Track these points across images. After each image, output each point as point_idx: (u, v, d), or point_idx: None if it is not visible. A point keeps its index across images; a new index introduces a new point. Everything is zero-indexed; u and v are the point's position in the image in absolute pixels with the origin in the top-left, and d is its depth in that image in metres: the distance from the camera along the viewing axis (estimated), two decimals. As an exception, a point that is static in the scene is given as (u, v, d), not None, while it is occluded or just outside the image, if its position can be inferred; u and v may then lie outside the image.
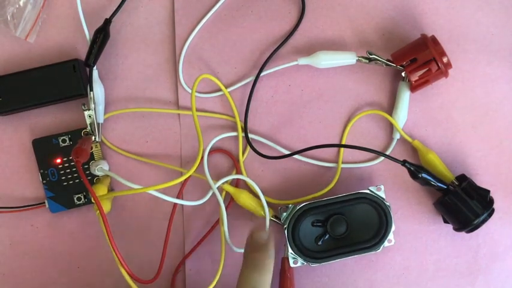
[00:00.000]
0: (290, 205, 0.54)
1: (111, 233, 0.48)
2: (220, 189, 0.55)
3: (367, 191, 0.54)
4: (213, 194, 0.55)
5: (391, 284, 0.57)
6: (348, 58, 0.56)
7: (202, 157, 0.55)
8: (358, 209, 0.54)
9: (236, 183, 0.58)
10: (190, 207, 0.58)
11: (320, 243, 0.54)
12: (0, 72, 0.57)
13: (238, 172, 0.57)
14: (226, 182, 0.56)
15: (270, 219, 0.54)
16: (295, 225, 0.54)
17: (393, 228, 0.54)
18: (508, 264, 0.57)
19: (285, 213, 0.54)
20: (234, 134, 0.58)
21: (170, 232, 0.56)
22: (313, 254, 0.54)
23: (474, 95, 0.57)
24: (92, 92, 0.56)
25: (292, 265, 0.54)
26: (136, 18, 0.59)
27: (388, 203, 0.54)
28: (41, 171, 0.57)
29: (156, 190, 0.51)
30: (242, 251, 0.54)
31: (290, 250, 0.54)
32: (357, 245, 0.54)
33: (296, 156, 0.57)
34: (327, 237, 0.54)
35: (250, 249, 0.50)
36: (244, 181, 0.58)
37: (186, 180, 0.57)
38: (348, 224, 0.54)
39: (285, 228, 0.54)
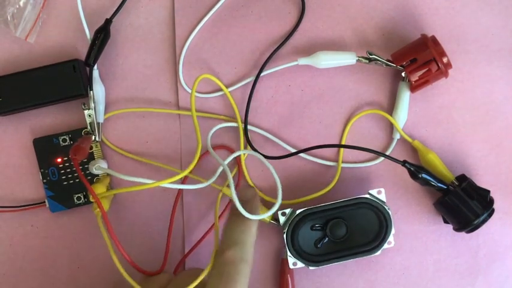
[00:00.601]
0: (289, 210, 0.54)
1: (111, 227, 0.48)
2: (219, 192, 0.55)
3: (367, 196, 0.54)
4: (213, 194, 0.55)
5: (391, 285, 0.57)
6: (348, 58, 0.56)
7: (201, 155, 0.54)
8: (357, 213, 0.54)
9: (236, 186, 0.58)
10: (190, 207, 0.58)
11: (319, 246, 0.54)
12: (0, 73, 0.57)
13: (240, 170, 0.57)
14: (225, 179, 0.55)
15: (270, 222, 0.54)
16: (294, 230, 0.54)
17: (393, 231, 0.54)
18: (508, 264, 0.57)
19: (283, 218, 0.54)
20: (234, 124, 0.58)
21: (172, 232, 0.56)
22: (313, 258, 0.54)
23: (474, 95, 0.57)
24: (92, 92, 0.56)
25: (291, 267, 0.54)
26: (136, 18, 0.59)
27: (388, 207, 0.54)
28: (42, 170, 0.57)
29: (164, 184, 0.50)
30: None
31: (289, 253, 0.54)
32: (357, 248, 0.54)
33: (296, 155, 0.57)
34: (326, 240, 0.54)
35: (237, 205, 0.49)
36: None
37: (185, 179, 0.57)
38: (347, 227, 0.54)
39: (284, 232, 0.54)
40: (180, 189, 0.58)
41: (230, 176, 0.49)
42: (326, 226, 0.54)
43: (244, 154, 0.57)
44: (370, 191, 0.54)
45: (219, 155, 0.58)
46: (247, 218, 0.47)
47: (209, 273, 0.45)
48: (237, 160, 0.58)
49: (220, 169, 0.52)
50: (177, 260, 0.58)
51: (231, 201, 0.48)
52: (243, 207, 0.47)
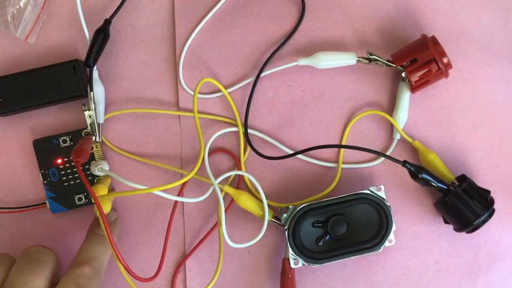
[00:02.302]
0: (290, 206, 0.54)
1: (111, 233, 0.48)
2: (220, 190, 0.55)
3: (367, 192, 0.54)
4: (213, 194, 0.55)
5: (392, 285, 0.57)
6: (348, 58, 0.56)
7: (203, 157, 0.55)
8: (358, 209, 0.54)
9: (237, 185, 0.58)
10: (190, 208, 0.58)
11: (321, 243, 0.54)
12: (1, 73, 0.57)
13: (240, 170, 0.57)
14: (227, 177, 0.56)
15: (271, 220, 0.55)
16: (295, 226, 0.54)
17: (394, 228, 0.54)
18: (509, 264, 0.57)
19: (285, 215, 0.54)
20: (235, 129, 0.58)
21: (170, 233, 0.56)
22: (314, 255, 0.54)
23: (474, 95, 0.57)
24: (92, 92, 0.56)
25: (293, 266, 0.54)
26: (136, 18, 0.59)
27: (388, 203, 0.54)
28: (42, 171, 0.57)
29: (158, 191, 0.51)
30: (240, 246, 0.54)
31: (291, 251, 0.54)
32: (358, 245, 0.54)
33: (296, 156, 0.57)
34: (327, 237, 0.54)
35: (96, 227, 0.54)
36: (245, 183, 0.58)
37: (186, 181, 0.57)
38: (348, 224, 0.54)
39: (286, 229, 0.54)
40: (180, 188, 0.58)
41: (221, 197, 0.53)
42: (327, 223, 0.54)
43: (244, 155, 0.57)
44: (370, 188, 0.54)
45: (220, 159, 0.58)
46: (105, 244, 0.52)
47: (63, 282, 0.50)
48: (237, 161, 0.58)
49: (211, 188, 0.54)
50: (178, 261, 0.58)
51: (93, 222, 0.55)
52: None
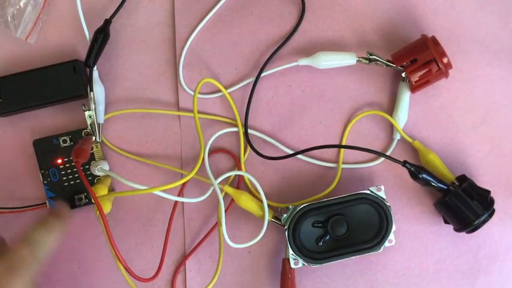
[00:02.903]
0: (290, 206, 0.54)
1: (111, 233, 0.48)
2: (220, 190, 0.55)
3: (368, 192, 0.54)
4: (213, 194, 0.55)
5: (392, 285, 0.57)
6: (348, 59, 0.56)
7: (203, 158, 0.55)
8: (358, 209, 0.54)
9: (237, 185, 0.58)
10: (190, 208, 0.58)
11: (321, 244, 0.54)
12: (1, 73, 0.57)
13: (240, 170, 0.57)
14: (227, 177, 0.56)
15: (271, 220, 0.55)
16: (295, 226, 0.54)
17: (394, 228, 0.54)
18: (509, 264, 0.57)
19: (285, 215, 0.54)
20: (235, 129, 0.58)
21: (170, 233, 0.56)
22: (314, 255, 0.54)
23: (474, 95, 0.57)
24: (92, 92, 0.56)
25: (293, 266, 0.54)
26: (136, 19, 0.59)
27: (388, 203, 0.54)
28: (42, 171, 0.57)
29: (158, 191, 0.51)
30: (240, 246, 0.54)
31: (291, 251, 0.54)
32: (358, 245, 0.54)
33: (297, 156, 0.57)
34: (327, 237, 0.54)
35: (51, 211, 0.53)
36: (245, 183, 0.58)
37: (186, 181, 0.57)
38: (348, 224, 0.54)
39: (286, 229, 0.54)
40: (180, 189, 0.58)
41: (221, 197, 0.53)
42: (327, 223, 0.54)
43: (244, 155, 0.57)
44: (370, 188, 0.54)
45: (220, 159, 0.58)
46: (51, 230, 0.50)
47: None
48: (237, 161, 0.58)
49: (212, 188, 0.54)
50: (178, 261, 0.58)
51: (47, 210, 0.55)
52: (52, 215, 0.51)
